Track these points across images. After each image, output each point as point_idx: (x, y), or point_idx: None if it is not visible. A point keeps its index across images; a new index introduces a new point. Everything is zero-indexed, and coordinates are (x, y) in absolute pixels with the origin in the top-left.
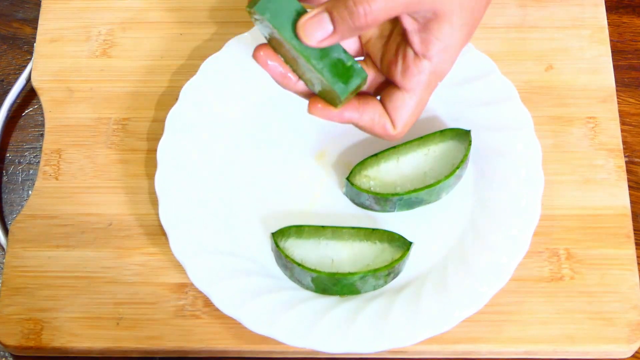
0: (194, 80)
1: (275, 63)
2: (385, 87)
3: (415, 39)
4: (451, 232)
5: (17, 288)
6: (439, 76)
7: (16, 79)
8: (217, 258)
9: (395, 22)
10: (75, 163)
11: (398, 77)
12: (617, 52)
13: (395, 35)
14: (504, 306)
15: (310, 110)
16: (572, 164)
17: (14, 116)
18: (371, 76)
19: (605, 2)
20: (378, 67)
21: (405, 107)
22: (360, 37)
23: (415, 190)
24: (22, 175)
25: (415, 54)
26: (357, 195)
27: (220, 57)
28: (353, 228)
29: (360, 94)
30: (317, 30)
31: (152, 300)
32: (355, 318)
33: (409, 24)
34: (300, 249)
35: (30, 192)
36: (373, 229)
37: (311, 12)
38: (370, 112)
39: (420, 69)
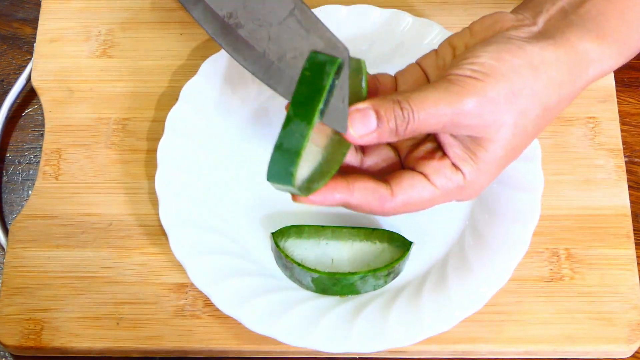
0: (194, 80)
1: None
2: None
3: (451, 152)
4: (451, 232)
5: (17, 288)
6: (463, 194)
7: (16, 79)
8: (217, 258)
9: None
10: (75, 163)
11: (429, 170)
12: None
13: (431, 139)
14: (504, 306)
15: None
16: (572, 164)
17: (14, 116)
18: (389, 157)
19: None
20: (400, 156)
21: (419, 191)
22: None
23: None
24: (22, 175)
25: (453, 164)
26: None
27: (220, 57)
28: (353, 228)
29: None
30: (361, 123)
31: (152, 300)
32: (355, 318)
33: (446, 138)
34: (300, 249)
35: (30, 192)
36: (373, 229)
37: (357, 105)
38: (362, 187)
39: (453, 179)
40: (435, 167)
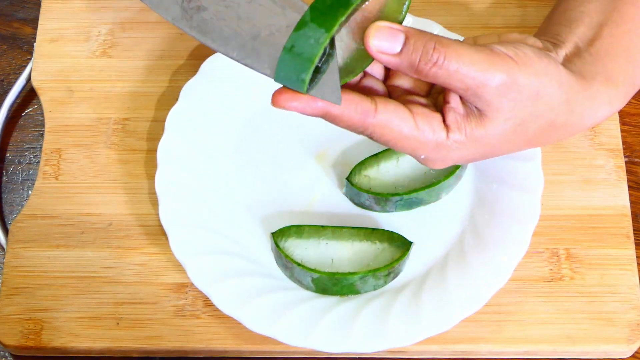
0: (194, 80)
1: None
2: None
3: (450, 115)
4: (451, 232)
5: (17, 288)
6: (435, 155)
7: (16, 79)
8: (217, 258)
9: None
10: (75, 163)
11: (417, 111)
12: None
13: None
14: (504, 306)
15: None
16: (572, 164)
17: (14, 116)
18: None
19: None
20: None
21: (400, 118)
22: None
23: (415, 190)
24: (22, 175)
25: (444, 122)
26: (357, 195)
27: (220, 57)
28: (353, 228)
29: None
30: (386, 40)
31: (152, 300)
32: (355, 318)
33: (454, 101)
34: (300, 249)
35: (30, 192)
36: (373, 229)
37: (390, 23)
38: (347, 98)
39: (435, 130)
40: (425, 114)
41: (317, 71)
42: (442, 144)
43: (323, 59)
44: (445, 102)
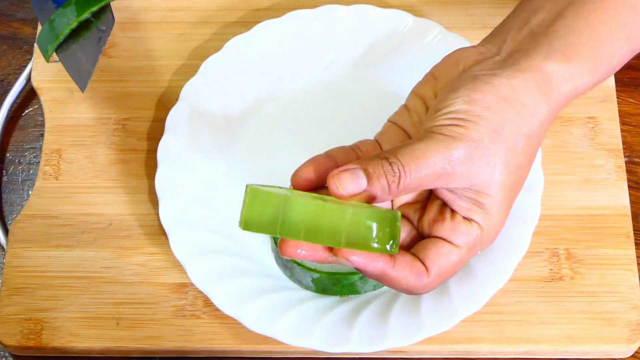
0: (194, 80)
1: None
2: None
3: (458, 207)
4: None
5: (17, 288)
6: (484, 242)
7: (16, 79)
8: (217, 258)
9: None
10: (75, 163)
11: (446, 232)
12: None
13: (434, 198)
14: (504, 306)
15: (340, 256)
16: (572, 164)
17: (14, 116)
18: (405, 232)
19: None
20: (414, 224)
21: (447, 257)
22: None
23: None
24: (22, 175)
25: (464, 218)
26: None
27: (220, 57)
28: None
29: None
30: (351, 182)
31: (152, 300)
32: (355, 318)
33: (447, 195)
34: None
35: (30, 192)
36: None
37: (346, 165)
38: (403, 262)
39: (470, 231)
40: (451, 228)
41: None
42: (480, 235)
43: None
44: (446, 201)
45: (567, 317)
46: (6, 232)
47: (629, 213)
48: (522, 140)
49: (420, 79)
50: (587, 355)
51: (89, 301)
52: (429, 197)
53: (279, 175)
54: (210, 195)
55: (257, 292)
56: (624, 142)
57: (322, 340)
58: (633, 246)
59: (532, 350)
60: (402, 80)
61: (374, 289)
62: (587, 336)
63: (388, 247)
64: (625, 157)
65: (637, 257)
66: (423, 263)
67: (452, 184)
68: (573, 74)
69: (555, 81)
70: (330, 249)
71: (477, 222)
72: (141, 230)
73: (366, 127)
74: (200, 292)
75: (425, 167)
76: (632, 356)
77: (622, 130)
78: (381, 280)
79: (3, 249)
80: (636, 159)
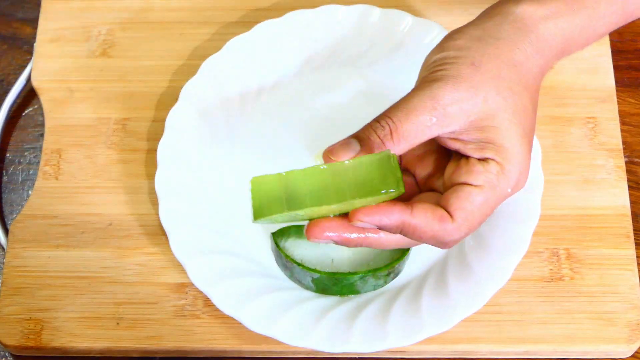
0: (194, 80)
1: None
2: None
3: (469, 150)
4: None
5: (17, 288)
6: (509, 178)
7: (16, 79)
8: (217, 258)
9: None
10: (75, 163)
11: (462, 177)
12: (617, 52)
13: (446, 157)
14: (504, 306)
15: (355, 219)
16: (572, 164)
17: (14, 116)
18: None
19: None
20: (420, 183)
21: (469, 199)
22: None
23: None
24: (22, 175)
25: (478, 159)
26: None
27: (220, 57)
28: None
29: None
30: (343, 150)
31: (152, 300)
32: (355, 318)
33: (455, 144)
34: (300, 248)
35: (30, 192)
36: None
37: (339, 141)
38: (422, 208)
39: (487, 168)
40: (467, 171)
41: None
42: (501, 170)
43: None
44: (457, 150)
45: (567, 317)
46: (6, 232)
47: (629, 213)
48: (505, 68)
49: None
50: (587, 355)
51: (89, 301)
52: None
53: (279, 172)
54: (210, 195)
55: (257, 292)
56: (624, 142)
57: (322, 340)
58: (633, 246)
59: (532, 350)
60: (402, 80)
61: (374, 289)
62: (587, 336)
63: (393, 189)
64: (625, 157)
65: (637, 257)
66: (446, 210)
67: (450, 126)
68: (549, 12)
69: (529, 19)
70: (344, 222)
71: (492, 159)
72: (141, 230)
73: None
74: (200, 292)
75: (413, 114)
76: (632, 356)
77: (622, 130)
78: (405, 233)
79: (3, 249)
80: (636, 159)
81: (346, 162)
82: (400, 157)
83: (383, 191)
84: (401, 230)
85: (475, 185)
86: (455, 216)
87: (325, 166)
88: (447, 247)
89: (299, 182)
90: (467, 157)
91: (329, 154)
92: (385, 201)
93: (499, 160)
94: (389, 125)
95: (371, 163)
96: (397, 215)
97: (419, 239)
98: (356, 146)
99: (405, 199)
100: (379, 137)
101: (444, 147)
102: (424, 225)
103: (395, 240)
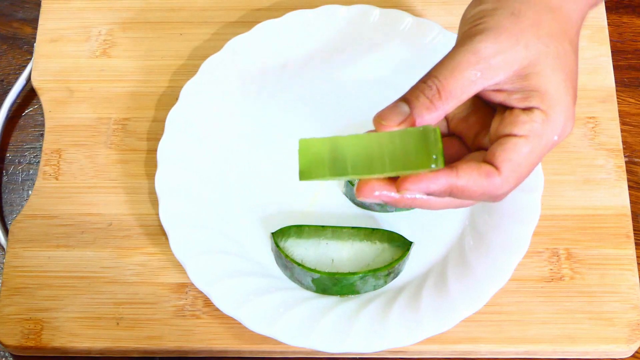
0: (194, 80)
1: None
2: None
3: (514, 101)
4: (451, 232)
5: (17, 288)
6: (555, 125)
7: (16, 79)
8: (217, 258)
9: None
10: (75, 163)
11: (507, 128)
12: (617, 52)
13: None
14: (504, 306)
15: (402, 189)
16: (572, 164)
17: (14, 116)
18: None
19: (605, 2)
20: (470, 144)
21: (515, 150)
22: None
23: None
24: (22, 175)
25: (522, 109)
26: None
27: (220, 57)
28: (353, 228)
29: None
30: (393, 113)
31: (152, 300)
32: (355, 318)
33: (498, 96)
34: (300, 249)
35: (30, 192)
36: (373, 229)
37: (386, 108)
38: (467, 167)
39: (532, 117)
40: (511, 122)
41: None
42: (546, 119)
43: None
44: (501, 103)
45: (567, 317)
46: (6, 232)
47: (629, 213)
48: (544, 14)
49: (419, 78)
50: (587, 355)
51: (89, 301)
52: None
53: (278, 174)
54: (211, 195)
55: (257, 292)
56: (624, 142)
57: (322, 340)
58: (633, 246)
59: (532, 350)
60: (401, 80)
61: (374, 289)
62: (587, 336)
63: (433, 165)
64: (625, 157)
65: (637, 257)
66: (492, 164)
67: (495, 77)
68: None
69: None
70: (393, 183)
71: (536, 108)
72: (141, 230)
73: (367, 127)
74: (200, 292)
75: (457, 70)
76: (632, 356)
77: (622, 130)
78: (455, 195)
79: (3, 249)
80: (636, 159)
81: (394, 129)
82: (447, 119)
83: (423, 169)
84: (450, 193)
85: (520, 136)
86: (502, 169)
87: (372, 134)
88: (499, 200)
89: (345, 148)
90: (511, 108)
91: (379, 119)
92: None
93: (543, 108)
94: (435, 84)
95: (411, 132)
96: (444, 179)
97: (470, 198)
98: (405, 108)
99: (455, 160)
100: (427, 97)
101: (488, 103)
102: (472, 185)
103: (446, 202)
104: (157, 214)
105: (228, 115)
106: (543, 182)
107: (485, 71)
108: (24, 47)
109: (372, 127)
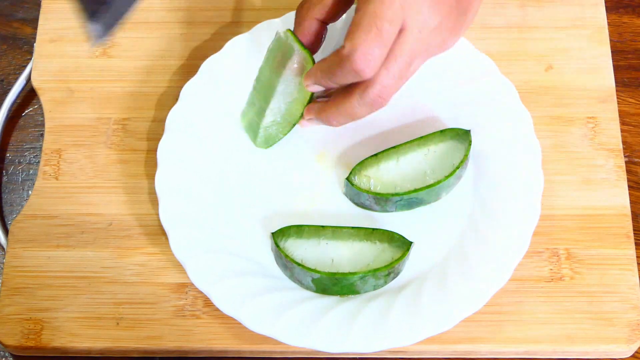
0: (194, 80)
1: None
2: None
3: None
4: (451, 232)
5: (17, 288)
6: None
7: (16, 79)
8: (217, 258)
9: None
10: (75, 163)
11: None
12: (617, 52)
13: None
14: (504, 306)
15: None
16: (572, 164)
17: (14, 116)
18: None
19: (605, 2)
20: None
21: (352, 24)
22: None
23: (415, 190)
24: (22, 175)
25: None
26: (357, 195)
27: (220, 57)
28: (353, 228)
29: None
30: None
31: (152, 300)
32: (355, 318)
33: None
34: (300, 249)
35: (30, 192)
36: (373, 229)
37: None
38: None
39: None
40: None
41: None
42: None
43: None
44: None
45: (567, 317)
46: (6, 232)
47: (629, 213)
48: None
49: (419, 78)
50: (587, 355)
51: (89, 301)
52: None
53: (278, 174)
54: (210, 195)
55: (257, 292)
56: (624, 142)
57: (322, 340)
58: (633, 246)
59: (532, 350)
60: None
61: (374, 289)
62: (587, 336)
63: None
64: (625, 157)
65: (637, 257)
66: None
67: None
68: None
69: None
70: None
71: None
72: (141, 230)
73: (365, 126)
74: (200, 292)
75: None
76: (632, 356)
77: (622, 130)
78: (324, 78)
79: (3, 249)
80: (636, 159)
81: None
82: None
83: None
84: (319, 78)
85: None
86: (345, 42)
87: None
88: (372, 80)
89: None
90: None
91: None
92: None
93: None
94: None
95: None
96: (313, 69)
97: (334, 76)
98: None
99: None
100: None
101: None
102: (329, 62)
103: (335, 106)
104: (157, 214)
105: (228, 115)
106: (543, 182)
107: None
108: (24, 47)
109: (371, 127)
